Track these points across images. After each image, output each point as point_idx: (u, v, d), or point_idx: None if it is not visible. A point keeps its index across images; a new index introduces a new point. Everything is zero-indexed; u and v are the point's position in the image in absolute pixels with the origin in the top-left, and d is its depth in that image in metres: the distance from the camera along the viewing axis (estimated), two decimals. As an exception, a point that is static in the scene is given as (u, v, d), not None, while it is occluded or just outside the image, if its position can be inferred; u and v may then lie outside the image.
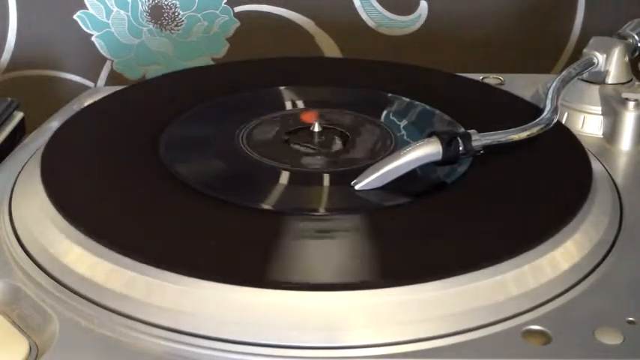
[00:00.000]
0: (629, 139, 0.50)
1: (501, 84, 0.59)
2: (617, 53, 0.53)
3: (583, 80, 0.54)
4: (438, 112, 0.51)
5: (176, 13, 0.74)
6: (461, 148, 0.43)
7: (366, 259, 0.37)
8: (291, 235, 0.38)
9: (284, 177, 0.44)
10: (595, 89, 0.53)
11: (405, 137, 0.48)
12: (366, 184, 0.42)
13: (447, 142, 0.43)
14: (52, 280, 0.37)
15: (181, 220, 0.39)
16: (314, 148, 0.47)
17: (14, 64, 0.75)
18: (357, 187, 0.42)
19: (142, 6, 0.74)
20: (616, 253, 0.39)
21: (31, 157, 0.48)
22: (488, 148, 0.44)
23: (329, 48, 0.76)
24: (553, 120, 0.47)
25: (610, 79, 0.53)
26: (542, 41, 0.75)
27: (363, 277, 0.35)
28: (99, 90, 0.61)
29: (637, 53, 0.55)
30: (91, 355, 0.33)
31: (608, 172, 0.46)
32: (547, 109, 0.48)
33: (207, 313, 0.34)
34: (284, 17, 0.75)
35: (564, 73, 0.52)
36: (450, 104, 0.51)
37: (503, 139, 0.45)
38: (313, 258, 0.37)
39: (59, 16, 0.74)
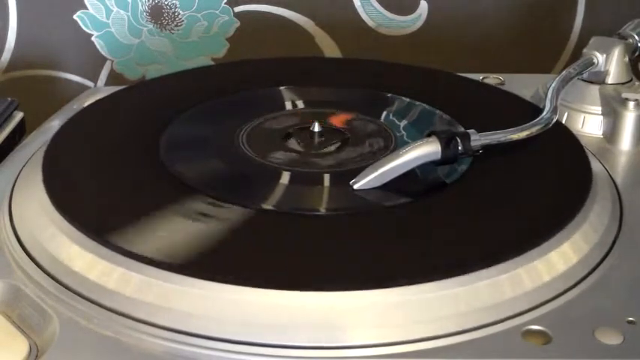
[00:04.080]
0: (629, 139, 0.50)
1: (501, 84, 0.59)
2: (617, 53, 0.53)
3: (583, 80, 0.54)
4: (437, 112, 0.51)
5: (176, 13, 0.74)
6: (460, 148, 0.43)
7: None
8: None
9: (284, 177, 0.44)
10: (595, 89, 0.53)
11: (405, 137, 0.48)
12: (365, 184, 0.42)
13: (446, 141, 0.43)
14: (52, 280, 0.37)
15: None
16: (314, 148, 0.47)
17: (14, 64, 0.75)
18: (355, 187, 0.42)
19: (142, 6, 0.74)
20: (616, 253, 0.39)
21: (31, 157, 0.48)
22: (488, 148, 0.44)
23: (329, 48, 0.76)
24: (552, 120, 0.47)
25: (610, 79, 0.53)
26: (542, 41, 0.75)
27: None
28: (99, 90, 0.61)
29: (637, 53, 0.55)
30: (91, 355, 0.33)
31: (608, 172, 0.46)
32: (546, 108, 0.48)
33: (207, 313, 0.34)
34: (284, 17, 0.75)
35: (564, 73, 0.52)
36: (449, 104, 0.51)
37: (502, 139, 0.45)
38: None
39: (59, 16, 0.74)
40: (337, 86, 0.55)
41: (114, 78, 0.76)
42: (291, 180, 0.43)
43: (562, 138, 0.48)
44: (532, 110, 0.49)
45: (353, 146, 0.47)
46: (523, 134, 0.45)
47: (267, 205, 0.41)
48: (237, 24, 0.75)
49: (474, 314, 0.35)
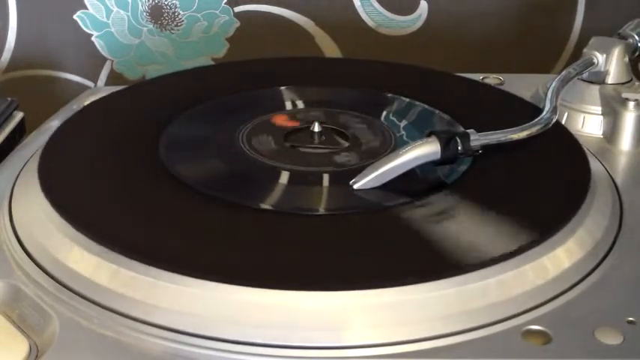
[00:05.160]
0: (629, 139, 0.50)
1: (501, 84, 0.59)
2: (617, 53, 0.53)
3: (583, 80, 0.54)
4: (437, 112, 0.51)
5: (176, 13, 0.74)
6: (459, 148, 0.43)
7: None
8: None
9: (284, 177, 0.44)
10: (595, 89, 0.53)
11: (404, 137, 0.48)
12: (365, 184, 0.42)
13: (446, 141, 0.43)
14: (52, 280, 0.37)
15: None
16: (314, 148, 0.47)
17: (14, 64, 0.75)
18: (355, 187, 0.42)
19: (142, 6, 0.74)
20: (616, 253, 0.39)
21: (31, 157, 0.48)
22: (488, 148, 0.44)
23: (329, 48, 0.76)
24: (552, 120, 0.47)
25: (610, 79, 0.53)
26: (542, 41, 0.75)
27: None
28: (99, 90, 0.61)
29: (637, 53, 0.55)
30: (91, 355, 0.33)
31: (608, 172, 0.46)
32: (546, 109, 0.48)
33: (207, 313, 0.34)
34: (284, 17, 0.75)
35: (564, 73, 0.52)
36: (449, 104, 0.51)
37: (502, 139, 0.45)
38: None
39: (59, 16, 0.74)
40: (337, 86, 0.55)
41: (114, 78, 0.76)
42: (291, 180, 0.43)
43: (561, 138, 0.48)
44: (532, 110, 0.49)
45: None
46: (523, 134, 0.45)
47: (267, 205, 0.41)
48: (237, 24, 0.75)
49: (474, 314, 0.35)
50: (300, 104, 0.54)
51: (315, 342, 0.33)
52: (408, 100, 0.53)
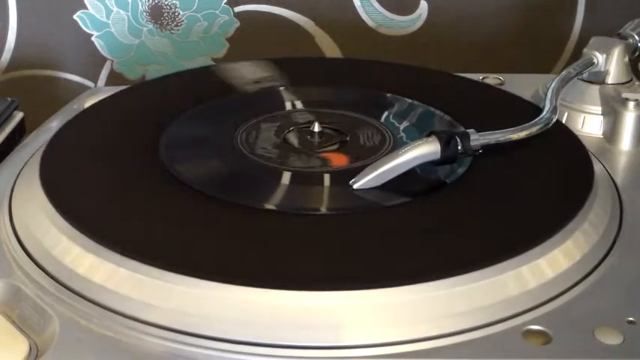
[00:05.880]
0: (629, 139, 0.50)
1: (501, 84, 0.59)
2: (617, 53, 0.53)
3: (583, 80, 0.54)
4: (437, 112, 0.51)
5: (176, 13, 0.74)
6: (459, 148, 0.43)
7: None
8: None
9: (284, 177, 0.44)
10: (595, 89, 0.53)
11: (404, 137, 0.48)
12: (365, 183, 0.42)
13: (446, 141, 0.43)
14: (52, 280, 0.37)
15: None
16: (314, 148, 0.47)
17: (14, 64, 0.75)
18: (355, 186, 0.42)
19: (142, 6, 0.74)
20: (616, 253, 0.39)
21: (31, 158, 0.48)
22: (488, 148, 0.44)
23: (329, 48, 0.76)
24: (552, 119, 0.47)
25: (610, 79, 0.53)
26: (542, 41, 0.75)
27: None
28: (99, 90, 0.61)
29: (637, 53, 0.55)
30: (91, 355, 0.33)
31: (608, 172, 0.46)
32: (546, 108, 0.48)
33: (207, 313, 0.34)
34: (284, 17, 0.75)
35: (564, 72, 0.52)
36: (449, 104, 0.51)
37: (501, 139, 0.45)
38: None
39: (59, 16, 0.74)
40: (337, 86, 0.55)
41: (114, 78, 0.76)
42: (291, 180, 0.43)
43: (563, 138, 0.48)
44: (532, 110, 0.49)
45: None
46: (522, 134, 0.45)
47: (267, 205, 0.41)
48: (237, 24, 0.75)
49: (474, 314, 0.35)
50: (300, 104, 0.54)
51: (316, 342, 0.33)
52: (408, 100, 0.53)
